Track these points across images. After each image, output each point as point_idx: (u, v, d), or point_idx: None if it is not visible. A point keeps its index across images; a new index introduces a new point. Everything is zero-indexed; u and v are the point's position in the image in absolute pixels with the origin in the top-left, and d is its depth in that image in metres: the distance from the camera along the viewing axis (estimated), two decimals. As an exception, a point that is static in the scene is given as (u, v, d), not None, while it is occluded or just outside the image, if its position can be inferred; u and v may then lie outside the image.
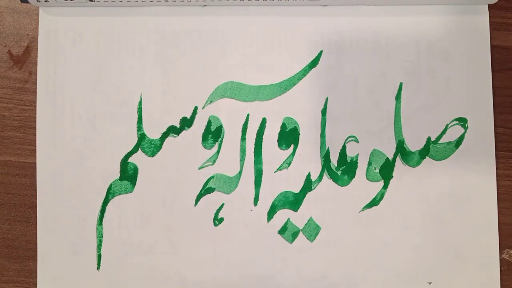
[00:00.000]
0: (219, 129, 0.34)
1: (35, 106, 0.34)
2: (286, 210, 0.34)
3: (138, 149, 0.34)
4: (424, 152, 0.34)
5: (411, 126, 0.34)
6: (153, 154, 0.34)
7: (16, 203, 0.34)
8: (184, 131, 0.34)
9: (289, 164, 0.34)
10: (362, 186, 0.34)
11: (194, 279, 0.34)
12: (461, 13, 0.34)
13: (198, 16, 0.34)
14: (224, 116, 0.34)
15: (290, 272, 0.34)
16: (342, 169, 0.34)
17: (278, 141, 0.34)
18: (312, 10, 0.34)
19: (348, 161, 0.34)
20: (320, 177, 0.34)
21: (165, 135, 0.34)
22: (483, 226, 0.34)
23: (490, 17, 0.34)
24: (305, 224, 0.34)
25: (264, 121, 0.34)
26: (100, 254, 0.34)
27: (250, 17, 0.34)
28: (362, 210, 0.34)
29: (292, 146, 0.34)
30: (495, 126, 0.34)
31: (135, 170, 0.34)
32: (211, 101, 0.34)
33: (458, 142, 0.34)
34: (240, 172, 0.34)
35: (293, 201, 0.34)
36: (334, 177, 0.34)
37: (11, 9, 0.35)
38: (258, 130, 0.34)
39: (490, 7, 0.34)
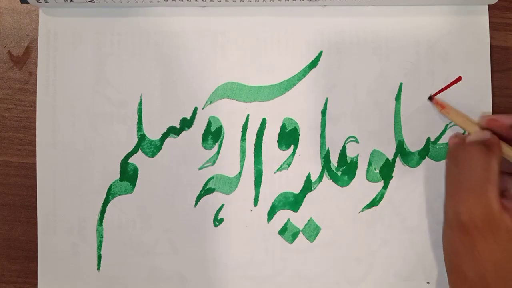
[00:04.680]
0: (219, 129, 0.34)
1: (35, 107, 0.34)
2: (286, 210, 0.34)
3: (138, 150, 0.34)
4: (424, 153, 0.34)
5: (411, 126, 0.34)
6: (153, 154, 0.34)
7: (16, 204, 0.34)
8: (184, 132, 0.34)
9: (289, 165, 0.34)
10: (362, 187, 0.34)
11: (194, 279, 0.34)
12: (461, 13, 0.34)
13: (198, 16, 0.34)
14: (224, 117, 0.34)
15: (290, 272, 0.34)
16: (342, 169, 0.34)
17: (278, 141, 0.34)
18: (312, 10, 0.34)
19: (348, 161, 0.34)
20: (320, 178, 0.34)
21: (165, 136, 0.34)
22: (483, 226, 0.34)
23: (490, 17, 0.34)
24: (305, 225, 0.34)
25: (264, 121, 0.34)
26: (100, 254, 0.34)
27: (250, 17, 0.34)
28: (362, 211, 0.34)
29: (292, 146, 0.34)
30: (495, 126, 0.34)
31: (135, 170, 0.34)
32: (211, 102, 0.34)
33: (458, 142, 0.34)
34: (240, 173, 0.34)
35: (293, 201, 0.34)
36: (334, 178, 0.34)
37: (11, 9, 0.35)
38: (258, 131, 0.34)
39: (490, 7, 0.34)
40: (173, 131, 0.34)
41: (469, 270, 0.27)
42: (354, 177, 0.34)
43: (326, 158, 0.34)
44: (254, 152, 0.34)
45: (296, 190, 0.34)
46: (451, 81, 0.33)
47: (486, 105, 0.34)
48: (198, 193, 0.34)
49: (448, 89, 0.34)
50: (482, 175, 0.27)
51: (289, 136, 0.34)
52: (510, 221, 0.27)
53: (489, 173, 0.27)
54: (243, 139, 0.34)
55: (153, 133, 0.34)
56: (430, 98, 0.31)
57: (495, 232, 0.27)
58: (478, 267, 0.27)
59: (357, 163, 0.34)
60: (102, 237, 0.34)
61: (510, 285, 0.27)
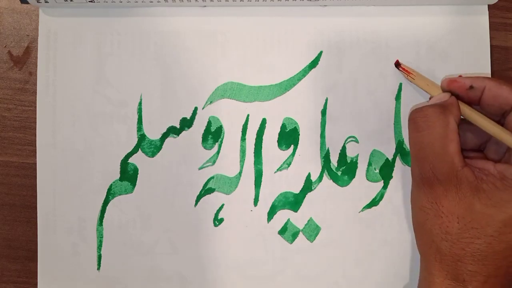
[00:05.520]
0: (219, 129, 0.34)
1: (35, 107, 0.34)
2: (286, 210, 0.34)
3: (138, 150, 0.34)
4: (424, 153, 0.34)
5: (411, 126, 0.34)
6: (153, 154, 0.34)
7: (16, 204, 0.35)
8: (184, 132, 0.34)
9: (289, 165, 0.34)
10: (362, 187, 0.34)
11: (194, 279, 0.34)
12: (461, 13, 0.34)
13: (198, 16, 0.34)
14: (224, 117, 0.34)
15: (290, 272, 0.34)
16: (342, 169, 0.34)
17: (278, 141, 0.34)
18: (312, 10, 0.34)
19: (348, 161, 0.34)
20: (320, 178, 0.34)
21: (165, 136, 0.34)
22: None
23: (490, 17, 0.34)
24: (305, 225, 0.34)
25: (264, 121, 0.34)
26: (100, 254, 0.34)
27: (249, 17, 0.34)
28: (362, 210, 0.34)
29: (292, 146, 0.34)
30: (495, 126, 0.34)
31: (135, 170, 0.34)
32: (211, 102, 0.34)
33: (458, 142, 0.34)
34: (240, 173, 0.34)
35: (293, 201, 0.34)
36: (334, 178, 0.34)
37: (11, 9, 0.35)
38: (258, 131, 0.34)
39: (490, 7, 0.34)
40: (173, 131, 0.34)
41: (434, 225, 0.28)
42: (354, 177, 0.34)
43: (326, 158, 0.34)
44: (254, 152, 0.34)
45: (296, 190, 0.34)
46: None
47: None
48: (198, 193, 0.34)
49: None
50: (440, 133, 0.28)
51: (289, 136, 0.34)
52: (472, 175, 0.28)
53: (447, 131, 0.28)
54: (243, 139, 0.34)
55: (153, 133, 0.34)
56: (397, 65, 0.32)
57: (457, 186, 0.28)
58: (443, 221, 0.28)
59: (357, 163, 0.34)
60: (102, 237, 0.34)
61: (473, 238, 0.27)
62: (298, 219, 0.34)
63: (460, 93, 0.30)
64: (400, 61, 0.33)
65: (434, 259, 0.28)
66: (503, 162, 0.29)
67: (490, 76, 0.33)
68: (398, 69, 0.32)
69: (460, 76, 0.33)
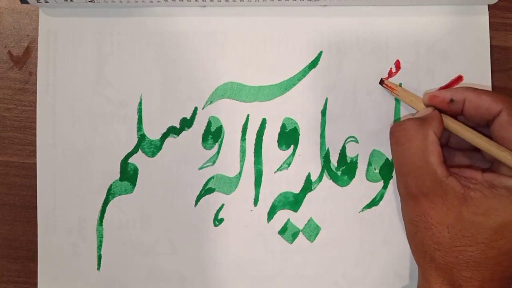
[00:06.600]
0: (219, 129, 0.34)
1: (35, 107, 0.34)
2: (286, 210, 0.34)
3: (138, 150, 0.34)
4: (424, 153, 0.34)
5: (411, 126, 0.34)
6: (153, 154, 0.34)
7: (16, 204, 0.35)
8: (184, 132, 0.34)
9: (289, 165, 0.34)
10: (362, 187, 0.34)
11: (194, 279, 0.34)
12: (461, 13, 0.34)
13: (198, 16, 0.34)
14: (224, 117, 0.34)
15: (290, 272, 0.34)
16: (342, 169, 0.34)
17: (278, 141, 0.34)
18: (312, 10, 0.34)
19: (348, 161, 0.34)
20: (320, 178, 0.34)
21: (165, 136, 0.34)
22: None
23: (490, 17, 0.34)
24: (305, 225, 0.34)
25: (264, 121, 0.34)
26: (101, 254, 0.34)
27: (249, 18, 0.34)
28: (362, 210, 0.34)
29: (292, 146, 0.34)
30: (495, 126, 0.34)
31: (135, 170, 0.34)
32: (211, 102, 0.34)
33: (458, 142, 0.34)
34: (240, 173, 0.34)
35: (293, 201, 0.34)
36: (334, 178, 0.34)
37: (11, 9, 0.35)
38: (258, 131, 0.34)
39: (490, 7, 0.34)
40: (173, 131, 0.34)
41: (425, 237, 0.28)
42: (354, 177, 0.34)
43: (326, 158, 0.34)
44: (254, 152, 0.34)
45: (296, 190, 0.34)
46: (451, 80, 0.33)
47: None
48: (198, 193, 0.34)
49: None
50: (420, 146, 0.28)
51: (289, 136, 0.34)
52: (458, 184, 0.28)
53: (427, 143, 0.28)
54: (243, 139, 0.34)
55: (153, 133, 0.34)
56: (381, 82, 0.33)
57: (443, 197, 0.28)
58: (433, 233, 0.28)
59: (357, 163, 0.34)
60: (102, 237, 0.34)
61: (465, 246, 0.27)
62: (298, 219, 0.34)
63: (442, 107, 0.30)
64: (396, 65, 0.33)
65: (430, 267, 0.29)
66: (490, 171, 0.29)
67: (490, 76, 0.33)
68: (382, 86, 0.33)
69: (460, 76, 0.33)
